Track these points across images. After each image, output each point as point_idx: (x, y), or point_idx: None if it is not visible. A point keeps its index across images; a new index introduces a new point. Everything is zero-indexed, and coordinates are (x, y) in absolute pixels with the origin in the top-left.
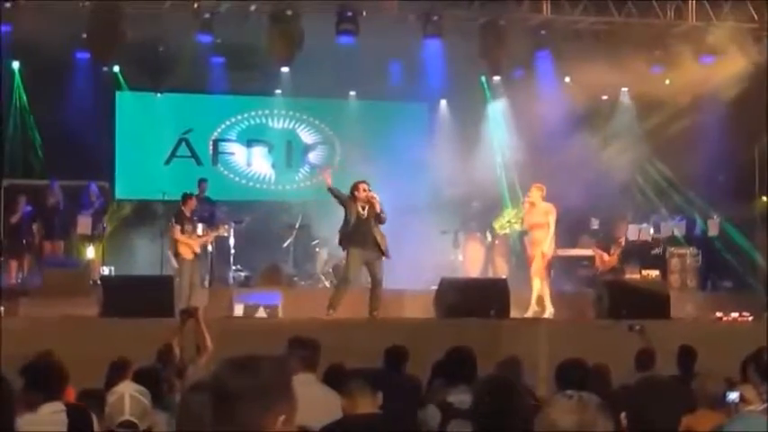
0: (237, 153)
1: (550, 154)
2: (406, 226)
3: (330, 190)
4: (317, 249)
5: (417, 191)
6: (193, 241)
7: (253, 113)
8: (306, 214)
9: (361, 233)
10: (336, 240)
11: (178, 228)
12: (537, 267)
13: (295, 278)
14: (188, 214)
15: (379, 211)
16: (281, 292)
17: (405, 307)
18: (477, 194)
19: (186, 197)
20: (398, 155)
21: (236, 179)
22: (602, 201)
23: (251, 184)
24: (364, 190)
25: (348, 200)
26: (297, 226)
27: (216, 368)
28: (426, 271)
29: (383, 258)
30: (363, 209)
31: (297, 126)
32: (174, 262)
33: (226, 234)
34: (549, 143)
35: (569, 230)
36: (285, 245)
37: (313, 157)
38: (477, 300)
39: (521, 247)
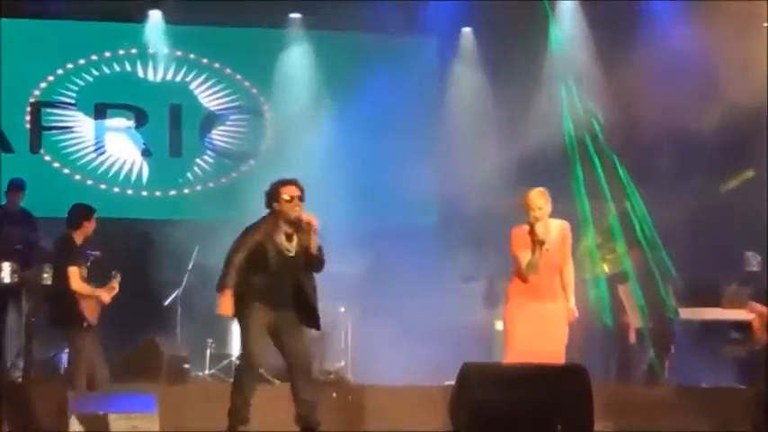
0: (79, 128)
1: (669, 129)
2: (399, 268)
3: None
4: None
5: (416, 202)
6: (102, 292)
7: (107, 55)
8: (206, 245)
9: (276, 280)
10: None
11: (77, 271)
12: (557, 346)
13: (185, 365)
14: (80, 244)
15: (315, 246)
16: (157, 392)
17: (398, 415)
18: None
19: (83, 213)
20: (382, 133)
21: (77, 177)
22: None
23: (104, 186)
24: (290, 198)
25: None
26: (189, 267)
27: None
28: (437, 352)
29: (307, 329)
30: (289, 237)
31: (191, 79)
32: None
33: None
34: (665, 108)
35: (706, 277)
36: (167, 302)
37: (220, 135)
38: (530, 404)
39: (613, 306)
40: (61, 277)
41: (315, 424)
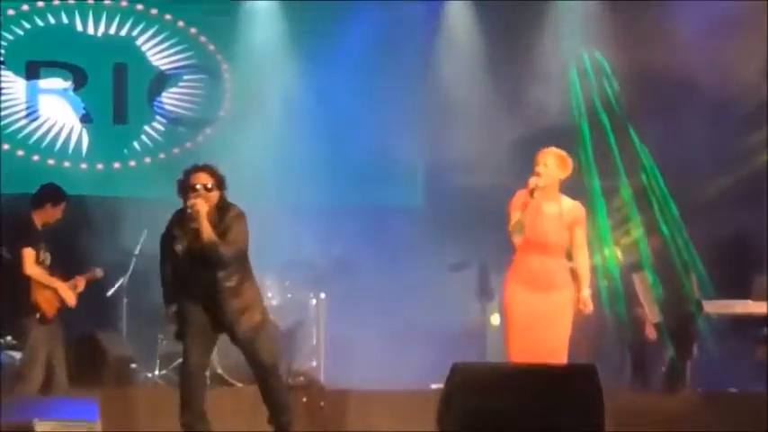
0: (8, 90)
1: (695, 89)
2: (379, 255)
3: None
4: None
5: (399, 178)
6: (62, 286)
7: (40, 5)
8: (156, 226)
9: (199, 279)
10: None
11: (31, 253)
12: (557, 340)
13: (132, 366)
14: (39, 227)
15: (207, 239)
16: (100, 397)
17: (378, 424)
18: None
19: (48, 195)
20: (360, 99)
21: (5, 147)
22: None
23: (37, 158)
24: (199, 188)
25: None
26: (136, 252)
27: None
28: (423, 350)
29: (257, 331)
30: (197, 232)
31: (138, 33)
32: None
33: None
34: (692, 64)
35: (729, 264)
36: (111, 292)
37: (172, 99)
38: (530, 411)
39: (627, 298)
40: (13, 261)
41: (288, 425)
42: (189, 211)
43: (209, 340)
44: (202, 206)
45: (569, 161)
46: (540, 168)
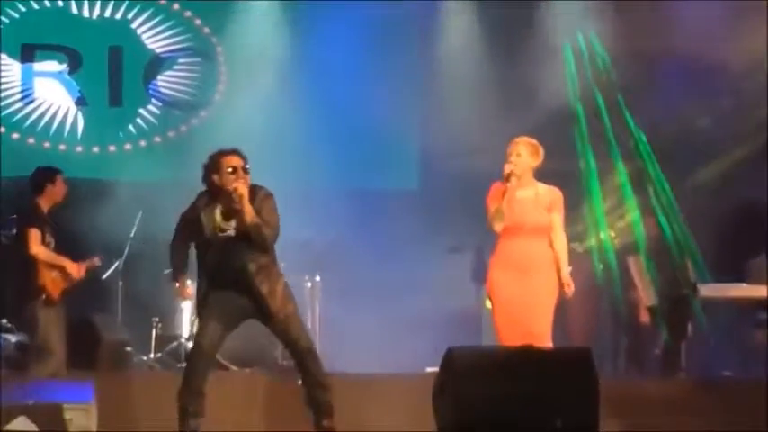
0: (3, 73)
1: (693, 69)
2: (374, 238)
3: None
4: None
5: (395, 161)
6: (71, 265)
7: None
8: (151, 209)
9: (221, 262)
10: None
11: (37, 233)
12: (539, 325)
13: (127, 349)
14: (46, 211)
15: (251, 221)
16: (95, 379)
17: (373, 408)
18: None
19: (44, 176)
20: (354, 81)
21: (1, 131)
22: None
23: (32, 141)
24: (232, 169)
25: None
26: (131, 235)
27: None
28: (418, 334)
29: (290, 314)
30: (227, 214)
31: (133, 16)
32: None
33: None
34: (689, 42)
35: (725, 247)
36: (106, 275)
37: (167, 82)
38: (526, 394)
39: (622, 281)
40: (20, 243)
41: (328, 406)
42: (233, 194)
43: (225, 327)
44: (244, 189)
45: (540, 149)
46: (513, 158)
